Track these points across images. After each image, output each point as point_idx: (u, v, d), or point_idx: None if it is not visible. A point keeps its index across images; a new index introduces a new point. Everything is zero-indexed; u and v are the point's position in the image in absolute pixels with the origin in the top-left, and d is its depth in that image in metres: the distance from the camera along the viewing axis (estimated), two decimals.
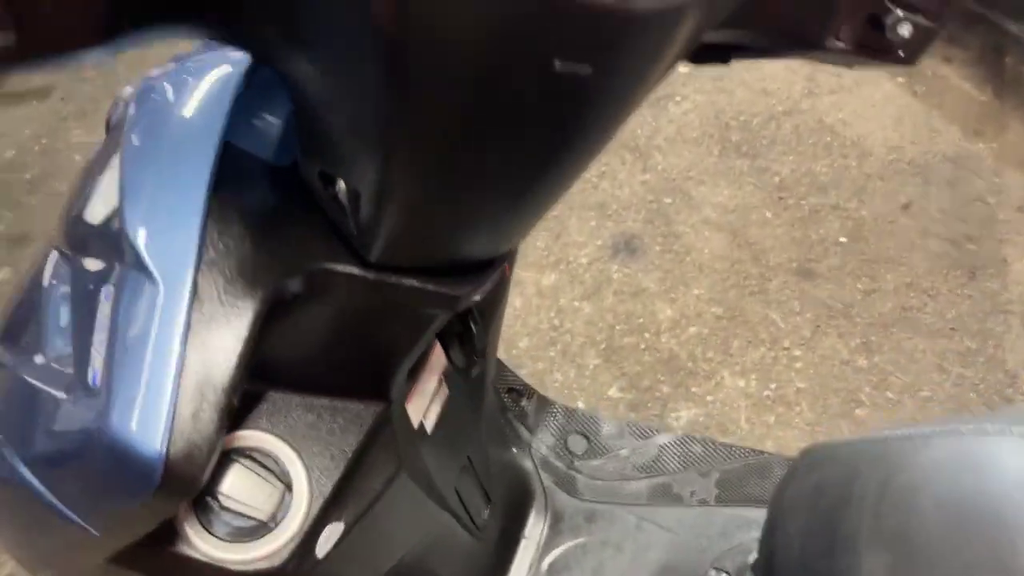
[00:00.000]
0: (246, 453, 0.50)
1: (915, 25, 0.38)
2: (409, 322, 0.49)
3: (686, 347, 1.56)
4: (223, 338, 0.37)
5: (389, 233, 0.38)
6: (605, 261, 1.70)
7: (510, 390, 1.04)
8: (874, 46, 0.39)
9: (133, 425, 0.35)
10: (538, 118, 0.31)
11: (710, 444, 1.02)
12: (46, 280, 0.50)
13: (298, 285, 0.41)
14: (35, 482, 0.43)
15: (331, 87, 0.31)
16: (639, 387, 1.50)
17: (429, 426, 0.69)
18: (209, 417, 0.36)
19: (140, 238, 0.38)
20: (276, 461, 0.51)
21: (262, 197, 0.41)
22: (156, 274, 0.37)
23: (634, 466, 1.01)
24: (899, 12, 0.38)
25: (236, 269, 0.38)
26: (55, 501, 0.42)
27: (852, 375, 1.53)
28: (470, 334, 0.64)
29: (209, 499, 0.46)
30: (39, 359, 0.48)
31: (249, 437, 0.50)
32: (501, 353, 1.55)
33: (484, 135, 0.32)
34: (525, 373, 1.52)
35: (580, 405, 1.47)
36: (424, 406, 0.67)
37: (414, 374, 0.64)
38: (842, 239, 1.77)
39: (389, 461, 0.58)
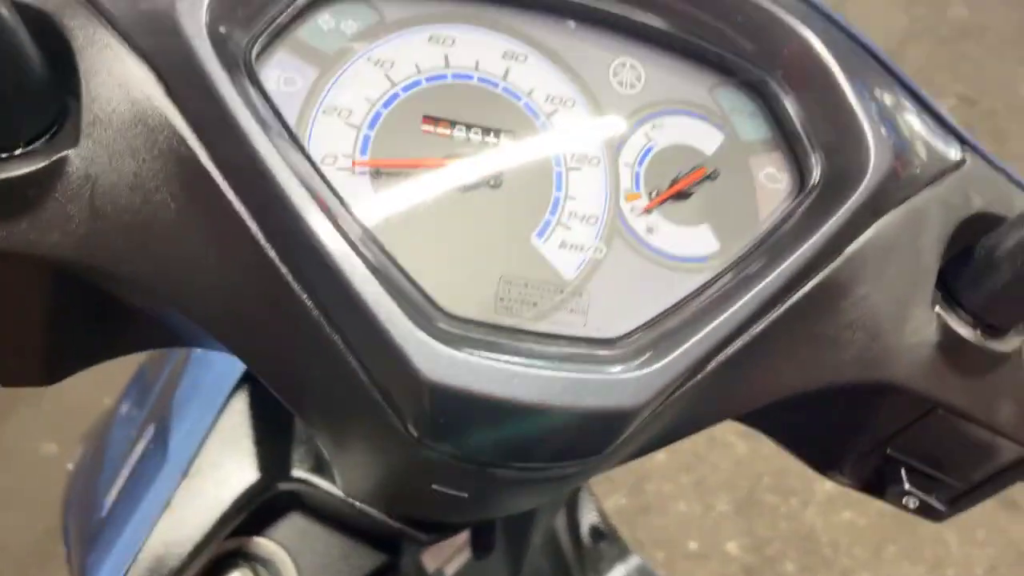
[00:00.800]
0: (253, 560, 0.56)
1: (923, 503, 0.33)
2: None
3: (832, 531, 1.42)
4: (189, 526, 0.43)
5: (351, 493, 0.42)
6: None
7: (594, 528, 1.03)
8: (878, 495, 0.35)
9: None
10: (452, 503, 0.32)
11: None
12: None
13: (284, 486, 0.46)
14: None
15: None
16: (762, 553, 1.39)
17: (450, 571, 0.72)
18: None
19: (173, 418, 0.45)
20: (276, 574, 0.57)
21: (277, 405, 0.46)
22: (170, 452, 0.44)
23: None
24: (906, 485, 0.34)
25: (231, 462, 0.44)
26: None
27: None
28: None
29: None
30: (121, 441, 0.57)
31: (264, 546, 0.57)
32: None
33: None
34: (650, 489, 1.48)
35: (692, 546, 1.40)
36: (445, 556, 0.70)
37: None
38: None
39: None
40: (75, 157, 0.24)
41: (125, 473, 0.47)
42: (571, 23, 0.30)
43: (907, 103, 0.31)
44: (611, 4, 0.30)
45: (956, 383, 0.31)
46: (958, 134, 0.32)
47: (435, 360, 0.24)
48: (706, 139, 0.30)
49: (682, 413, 0.29)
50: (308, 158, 0.25)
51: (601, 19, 0.30)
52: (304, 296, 0.25)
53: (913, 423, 0.32)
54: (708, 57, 0.31)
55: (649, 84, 0.30)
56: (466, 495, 0.29)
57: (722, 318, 0.26)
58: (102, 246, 0.25)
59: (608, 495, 1.48)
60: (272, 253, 0.25)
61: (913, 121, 0.31)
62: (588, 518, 1.03)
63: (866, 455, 0.34)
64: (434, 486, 0.29)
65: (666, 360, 0.26)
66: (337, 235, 0.24)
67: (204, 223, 0.25)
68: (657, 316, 0.28)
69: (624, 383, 0.25)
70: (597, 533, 1.04)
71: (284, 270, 0.25)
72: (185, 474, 0.44)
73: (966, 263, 0.30)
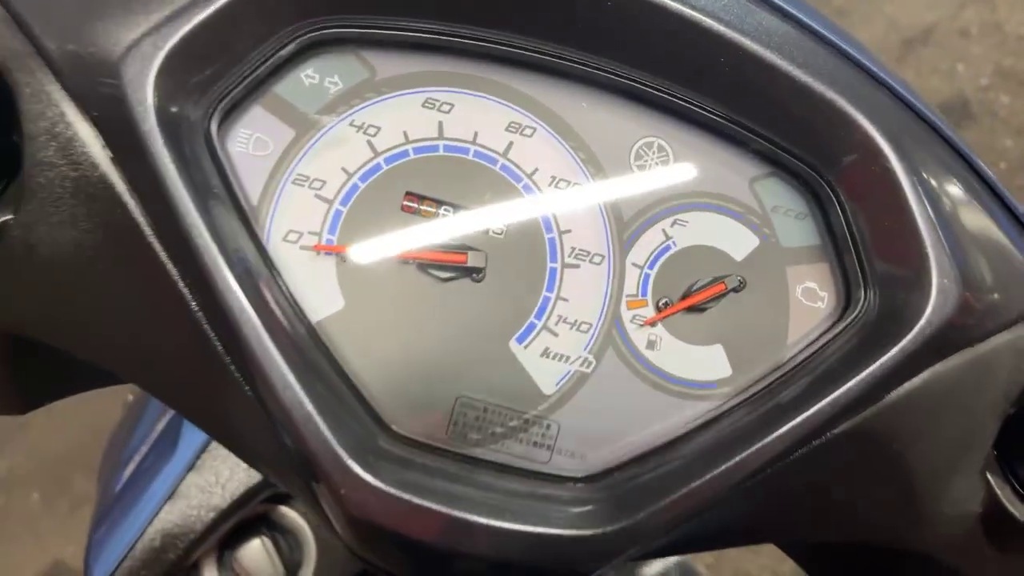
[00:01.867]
0: (276, 528, 0.57)
1: None
2: None
3: None
4: (189, 520, 0.43)
5: None
6: None
7: None
8: None
9: (94, 556, 0.43)
10: None
11: None
12: None
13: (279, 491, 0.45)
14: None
15: None
16: None
17: None
18: None
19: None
20: (296, 546, 0.57)
21: None
22: (180, 441, 0.44)
23: None
24: None
25: (236, 461, 0.44)
26: None
27: None
28: None
29: (227, 552, 0.54)
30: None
31: (288, 517, 0.57)
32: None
33: None
34: None
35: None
36: None
37: None
38: None
39: None
40: (15, 225, 0.22)
41: (144, 450, 0.47)
42: (591, 93, 0.25)
43: (994, 221, 0.25)
44: (644, 76, 0.25)
45: (996, 564, 0.26)
46: None
47: (362, 494, 0.21)
48: (737, 243, 0.26)
49: (674, 542, 0.25)
50: (254, 238, 0.23)
51: (628, 91, 0.26)
52: (243, 382, 0.23)
53: None
54: (753, 145, 0.26)
55: (677, 171, 0.26)
56: None
57: (719, 471, 0.22)
58: (39, 314, 0.23)
59: None
60: (211, 333, 0.22)
61: (999, 246, 0.25)
62: None
63: None
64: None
65: (638, 517, 0.22)
66: (263, 332, 0.21)
67: (145, 295, 0.23)
68: (641, 455, 0.24)
69: (581, 542, 0.21)
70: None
71: (221, 350, 0.22)
72: (191, 467, 0.44)
73: None
